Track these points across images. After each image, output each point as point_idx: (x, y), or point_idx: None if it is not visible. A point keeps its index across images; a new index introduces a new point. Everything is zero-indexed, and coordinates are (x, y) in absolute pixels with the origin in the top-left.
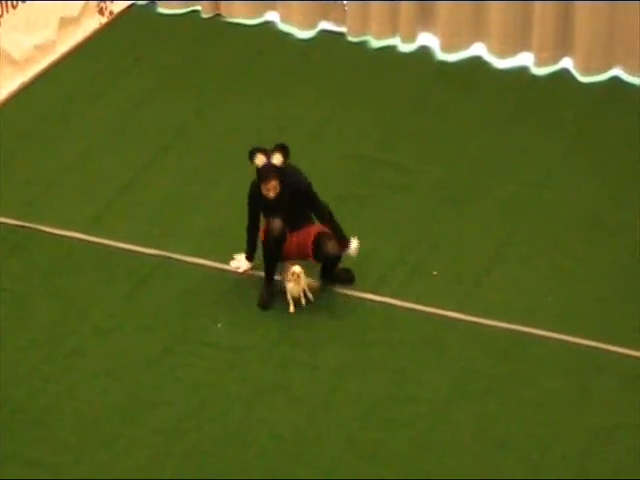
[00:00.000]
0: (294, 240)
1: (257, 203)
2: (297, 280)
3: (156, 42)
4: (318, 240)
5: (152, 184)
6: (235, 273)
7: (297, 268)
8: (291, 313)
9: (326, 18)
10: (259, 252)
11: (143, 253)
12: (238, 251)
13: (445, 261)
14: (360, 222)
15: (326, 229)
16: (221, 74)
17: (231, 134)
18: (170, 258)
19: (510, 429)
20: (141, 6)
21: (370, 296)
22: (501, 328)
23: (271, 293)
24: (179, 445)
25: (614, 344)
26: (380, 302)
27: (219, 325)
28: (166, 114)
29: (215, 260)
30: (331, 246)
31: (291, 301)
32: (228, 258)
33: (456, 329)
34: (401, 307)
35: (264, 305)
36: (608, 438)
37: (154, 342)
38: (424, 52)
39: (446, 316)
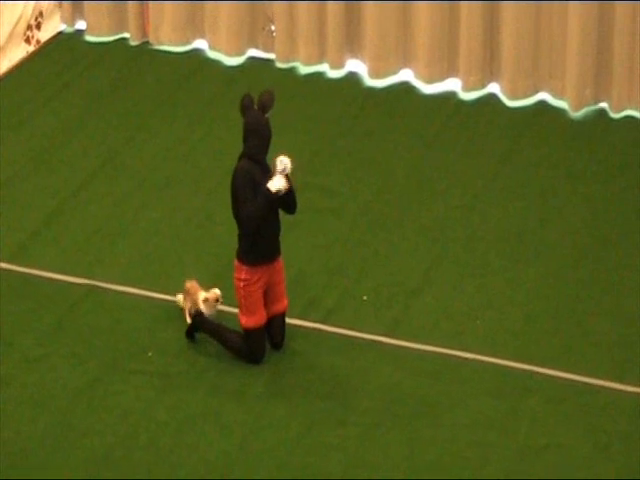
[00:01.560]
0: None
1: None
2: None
3: (84, 69)
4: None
5: (80, 211)
6: (163, 301)
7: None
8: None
9: (254, 45)
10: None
11: (71, 282)
12: (167, 279)
13: (374, 285)
14: (288, 246)
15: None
16: (150, 101)
17: (160, 161)
18: (98, 287)
19: (440, 451)
20: (69, 34)
21: (298, 322)
22: (431, 351)
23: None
24: (109, 474)
25: (543, 365)
26: (309, 328)
27: (149, 354)
28: (94, 141)
29: (144, 288)
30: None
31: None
32: (156, 285)
33: (386, 353)
34: (330, 332)
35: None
36: (537, 458)
37: (83, 371)
38: (352, 78)
39: (376, 340)
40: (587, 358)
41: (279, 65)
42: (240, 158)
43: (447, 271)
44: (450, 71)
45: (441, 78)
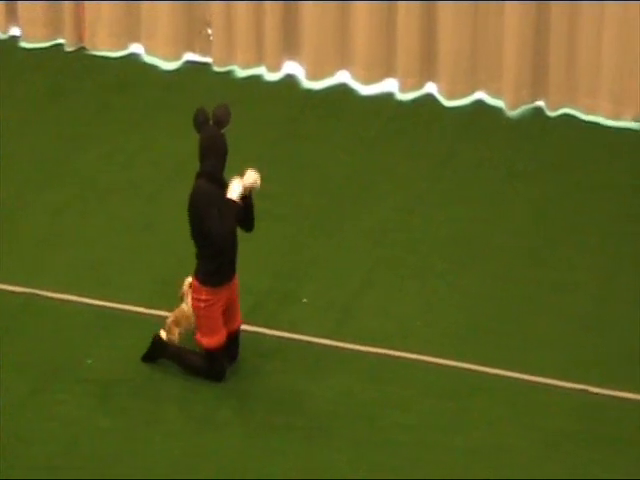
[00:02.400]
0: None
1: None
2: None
3: (20, 76)
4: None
5: (18, 220)
6: (104, 308)
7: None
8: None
9: (191, 49)
10: None
11: (10, 291)
12: (108, 286)
13: (315, 288)
14: None
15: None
16: (87, 107)
17: (99, 167)
18: (38, 295)
19: (385, 453)
20: (3, 41)
21: (243, 327)
22: (373, 353)
23: None
24: None
25: (488, 365)
26: (252, 332)
27: (89, 361)
28: (32, 149)
29: (84, 295)
30: None
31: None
32: (97, 293)
33: (328, 355)
34: (273, 336)
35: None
36: (485, 459)
37: (24, 380)
38: (290, 81)
39: (318, 343)
40: (532, 357)
41: (216, 69)
42: (197, 177)
43: (388, 273)
44: (387, 72)
45: (379, 79)
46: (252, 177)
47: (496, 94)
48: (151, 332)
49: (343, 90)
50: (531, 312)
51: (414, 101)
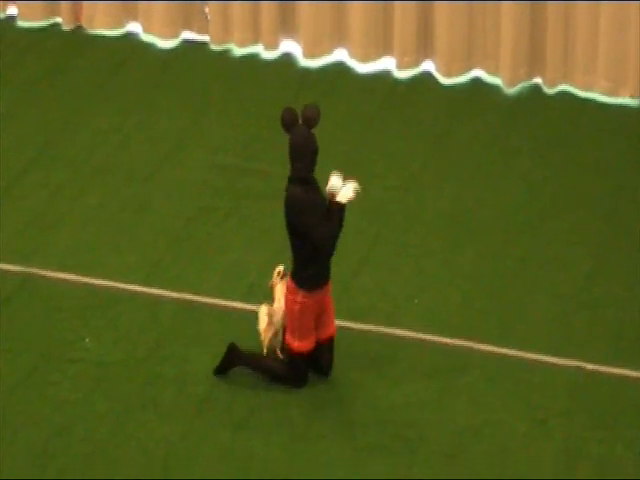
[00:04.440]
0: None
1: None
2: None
3: (17, 56)
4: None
5: (15, 200)
6: (99, 287)
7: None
8: (158, 329)
9: (188, 28)
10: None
11: (7, 270)
12: (104, 265)
13: None
14: (227, 232)
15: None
16: (84, 87)
17: (95, 148)
18: (34, 274)
19: (377, 432)
20: (0, 20)
21: (240, 305)
22: (368, 331)
23: None
24: (48, 466)
25: (480, 342)
26: (250, 311)
27: (86, 340)
28: (29, 128)
29: (80, 275)
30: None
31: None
32: (93, 272)
33: None
34: None
35: None
36: (475, 436)
37: (20, 361)
38: (287, 59)
39: None
40: (524, 335)
41: (213, 47)
42: (289, 181)
43: (384, 252)
44: (384, 50)
45: (376, 57)
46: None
47: (493, 72)
48: (147, 311)
49: (340, 68)
50: (525, 289)
51: (411, 79)
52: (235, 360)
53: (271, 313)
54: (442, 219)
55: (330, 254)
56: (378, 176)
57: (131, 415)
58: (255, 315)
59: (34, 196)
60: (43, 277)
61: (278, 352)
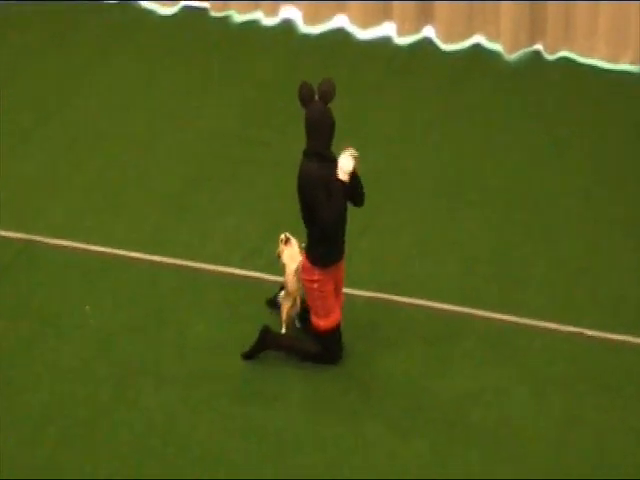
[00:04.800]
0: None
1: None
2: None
3: (18, 23)
4: None
5: (15, 166)
6: (101, 254)
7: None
8: (159, 296)
9: None
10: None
11: (7, 237)
12: (104, 232)
13: None
14: (225, 199)
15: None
16: (84, 54)
17: (96, 113)
18: (35, 241)
19: (376, 399)
20: None
21: (238, 271)
22: (369, 298)
23: None
24: (49, 431)
25: (478, 308)
26: (247, 277)
27: (87, 307)
28: (29, 95)
29: (82, 241)
30: None
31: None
32: (94, 239)
33: None
34: (267, 281)
35: None
36: (474, 402)
37: (21, 327)
38: (287, 26)
39: None
40: (524, 301)
41: (213, 14)
42: (305, 155)
43: (385, 218)
44: (385, 16)
45: (376, 23)
46: (345, 166)
47: (494, 38)
48: (147, 278)
49: (340, 35)
50: (525, 256)
51: (411, 45)
52: (268, 343)
53: (285, 283)
54: (444, 184)
55: (335, 234)
56: (379, 142)
57: (131, 380)
58: (255, 280)
59: (34, 163)
60: (44, 244)
61: (297, 322)
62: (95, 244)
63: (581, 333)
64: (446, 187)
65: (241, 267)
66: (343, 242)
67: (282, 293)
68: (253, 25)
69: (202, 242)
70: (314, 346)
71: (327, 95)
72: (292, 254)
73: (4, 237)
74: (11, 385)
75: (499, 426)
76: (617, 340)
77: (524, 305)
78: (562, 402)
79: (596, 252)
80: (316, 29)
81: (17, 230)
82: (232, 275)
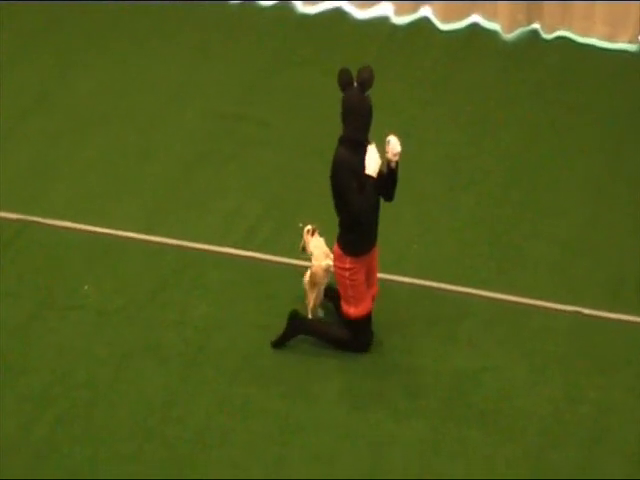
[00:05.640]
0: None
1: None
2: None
3: (14, 5)
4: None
5: (14, 148)
6: (99, 235)
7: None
8: (158, 276)
9: None
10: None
11: (6, 218)
12: (103, 213)
13: (310, 215)
14: (224, 179)
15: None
16: (82, 36)
17: (94, 97)
18: (33, 222)
19: (377, 378)
20: None
21: (236, 251)
22: None
23: None
24: (48, 411)
25: (477, 288)
26: (246, 257)
27: (85, 287)
28: (28, 78)
29: (80, 222)
30: None
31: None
32: (92, 220)
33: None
34: (267, 261)
35: None
36: (474, 381)
37: (19, 308)
38: (284, 5)
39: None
40: (523, 280)
41: None
42: (340, 141)
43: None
44: None
45: (373, 3)
46: (395, 147)
47: (491, 17)
48: (146, 258)
49: (338, 14)
50: (525, 235)
51: (409, 25)
52: (298, 329)
53: (312, 273)
54: (441, 165)
55: (366, 223)
56: (377, 122)
57: (131, 360)
58: (254, 260)
59: (34, 144)
60: (42, 225)
61: (320, 311)
62: (94, 225)
63: (579, 312)
64: (444, 166)
65: (241, 247)
66: (375, 231)
67: (306, 280)
68: (251, 5)
69: (201, 222)
70: (344, 333)
71: (366, 82)
72: (318, 244)
73: (3, 218)
74: (11, 366)
75: (499, 405)
76: (615, 319)
77: (523, 284)
78: (561, 381)
79: (594, 231)
80: (314, 9)
81: (16, 211)
82: (232, 255)
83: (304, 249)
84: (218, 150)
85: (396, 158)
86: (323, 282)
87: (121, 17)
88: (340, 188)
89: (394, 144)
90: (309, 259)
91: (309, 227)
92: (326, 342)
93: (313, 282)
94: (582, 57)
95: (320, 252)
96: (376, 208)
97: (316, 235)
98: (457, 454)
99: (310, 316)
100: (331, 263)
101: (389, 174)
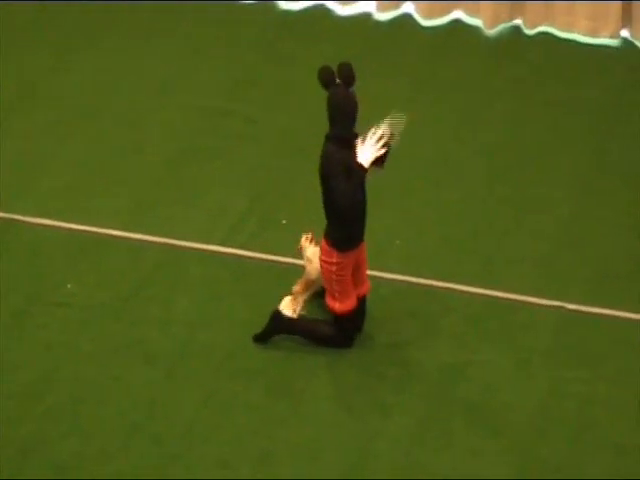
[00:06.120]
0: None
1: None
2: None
3: (2, 3)
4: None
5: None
6: (83, 232)
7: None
8: (142, 272)
9: None
10: None
11: None
12: (89, 210)
13: (294, 210)
14: (209, 174)
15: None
16: (72, 29)
17: (82, 91)
18: (17, 220)
19: (363, 373)
20: None
21: (220, 248)
22: None
23: None
24: (34, 408)
25: (462, 283)
26: (230, 254)
27: (68, 286)
28: (15, 71)
29: (64, 220)
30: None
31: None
32: (76, 218)
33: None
34: (251, 258)
35: None
36: (460, 375)
37: (4, 305)
38: (267, 2)
39: (293, 264)
40: (507, 275)
41: None
42: (327, 139)
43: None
44: None
45: None
46: (393, 125)
47: (474, 13)
48: (130, 255)
49: (321, 10)
50: (506, 230)
51: (392, 21)
52: (280, 326)
53: (307, 274)
54: (424, 160)
55: (355, 220)
56: (360, 118)
57: (116, 356)
58: (238, 257)
59: (18, 140)
60: (26, 222)
61: (302, 309)
62: (78, 221)
63: (563, 307)
64: (427, 162)
65: (225, 244)
66: (363, 226)
67: (296, 288)
68: (235, 3)
69: (185, 218)
70: (327, 329)
71: (349, 79)
72: (316, 252)
73: None
74: None
75: (484, 399)
76: (598, 313)
77: (506, 279)
78: (546, 375)
79: (578, 225)
80: (296, 5)
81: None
82: (216, 251)
83: (299, 253)
84: (203, 146)
85: (366, 164)
86: (315, 284)
87: (108, 14)
88: (328, 176)
89: (364, 154)
90: (295, 256)
91: (309, 235)
92: (309, 340)
93: (306, 282)
94: (564, 52)
95: (317, 259)
96: (363, 203)
97: (313, 243)
98: (443, 448)
99: (294, 313)
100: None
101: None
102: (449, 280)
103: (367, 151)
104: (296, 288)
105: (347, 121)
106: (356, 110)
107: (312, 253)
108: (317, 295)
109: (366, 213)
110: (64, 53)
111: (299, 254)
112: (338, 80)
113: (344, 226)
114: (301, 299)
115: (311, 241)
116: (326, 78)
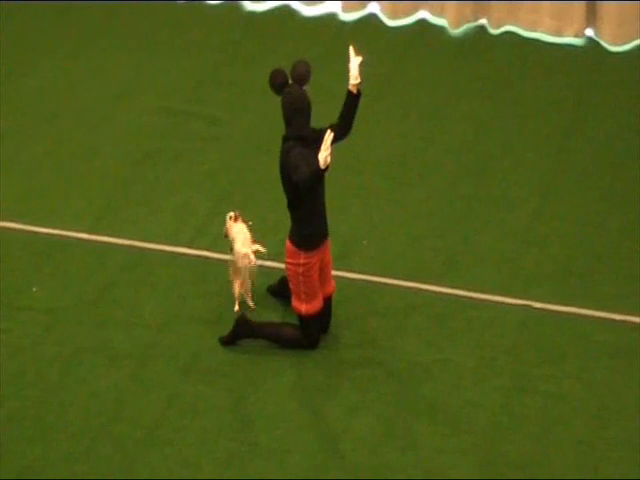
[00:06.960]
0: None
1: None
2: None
3: None
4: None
5: None
6: (46, 235)
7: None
8: (107, 275)
9: None
10: None
11: None
12: (51, 213)
13: (260, 211)
14: (173, 176)
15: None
16: (30, 32)
17: (43, 94)
18: None
19: (328, 373)
20: None
21: (185, 250)
22: None
23: None
24: None
25: (426, 282)
26: (195, 255)
27: (34, 289)
28: None
29: (27, 223)
30: None
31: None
32: (40, 220)
33: (274, 277)
34: (217, 259)
35: None
36: (425, 374)
37: None
38: (232, 3)
39: (261, 265)
40: (472, 274)
41: None
42: (285, 140)
43: (332, 194)
44: None
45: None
46: (353, 76)
47: (439, 13)
48: (95, 258)
49: (286, 11)
50: (472, 228)
51: (357, 21)
52: (245, 331)
53: (234, 261)
54: (390, 160)
55: (317, 212)
56: (324, 117)
57: (81, 359)
58: (203, 259)
59: None
60: None
61: (249, 301)
62: (41, 224)
63: (528, 305)
64: (393, 160)
65: (189, 245)
66: (325, 224)
67: (230, 271)
68: (198, 3)
69: (150, 221)
70: (292, 332)
71: (303, 78)
72: (240, 230)
73: None
74: None
75: (449, 397)
76: (563, 311)
77: (471, 277)
78: (510, 372)
79: (542, 223)
80: (261, 6)
81: None
82: (181, 253)
83: (226, 235)
84: (167, 147)
85: (357, 81)
86: (245, 269)
87: (67, 15)
88: (288, 166)
89: (353, 73)
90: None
91: (232, 213)
92: (274, 342)
93: (236, 269)
94: (529, 51)
95: (243, 237)
96: (323, 197)
97: (239, 221)
98: (407, 446)
99: (236, 306)
100: (256, 248)
101: (351, 99)
102: (415, 279)
103: (321, 155)
104: (232, 276)
105: (303, 119)
106: (310, 107)
107: (237, 232)
108: (283, 298)
109: (326, 209)
110: (22, 57)
111: (225, 236)
112: (290, 80)
113: (308, 222)
114: (235, 284)
115: (236, 219)
116: (279, 81)
